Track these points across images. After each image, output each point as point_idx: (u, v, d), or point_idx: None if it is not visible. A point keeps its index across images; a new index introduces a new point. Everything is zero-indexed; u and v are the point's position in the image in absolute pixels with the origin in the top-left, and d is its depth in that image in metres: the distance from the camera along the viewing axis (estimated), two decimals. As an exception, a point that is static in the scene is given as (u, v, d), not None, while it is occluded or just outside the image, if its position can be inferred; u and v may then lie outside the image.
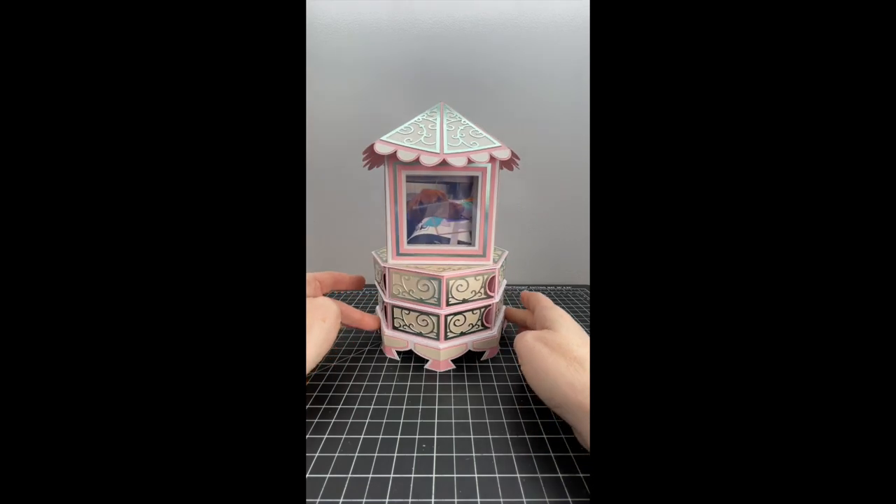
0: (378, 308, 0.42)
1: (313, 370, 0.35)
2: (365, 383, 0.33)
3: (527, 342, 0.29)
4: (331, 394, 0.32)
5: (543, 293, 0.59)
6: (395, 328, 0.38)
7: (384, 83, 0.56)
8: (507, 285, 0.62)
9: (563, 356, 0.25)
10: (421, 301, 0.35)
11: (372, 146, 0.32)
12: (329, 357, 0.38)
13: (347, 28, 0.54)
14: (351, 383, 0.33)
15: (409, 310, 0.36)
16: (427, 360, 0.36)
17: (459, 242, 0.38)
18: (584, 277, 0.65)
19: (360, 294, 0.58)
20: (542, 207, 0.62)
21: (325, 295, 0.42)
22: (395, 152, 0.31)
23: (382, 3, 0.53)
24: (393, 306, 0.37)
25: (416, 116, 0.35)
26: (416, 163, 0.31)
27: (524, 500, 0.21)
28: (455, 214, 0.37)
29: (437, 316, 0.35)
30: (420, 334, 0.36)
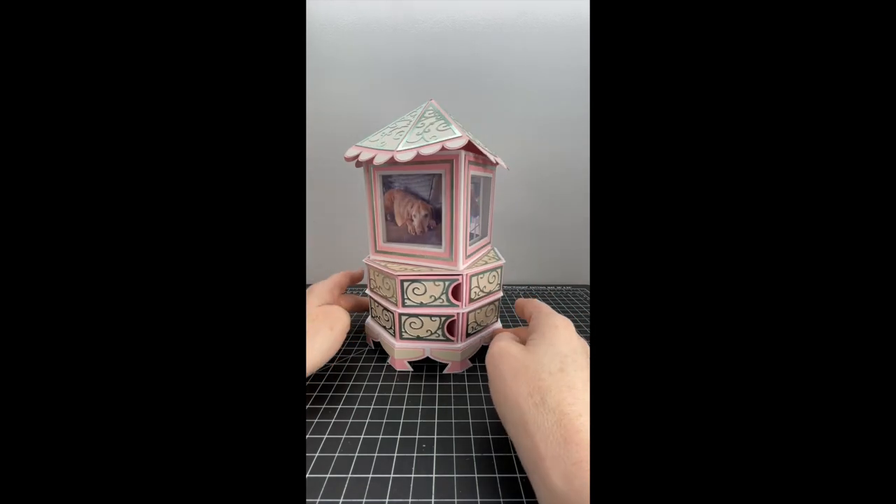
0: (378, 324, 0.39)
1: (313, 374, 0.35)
2: (365, 383, 0.33)
3: (493, 355, 0.24)
4: (331, 394, 0.32)
5: (543, 293, 0.59)
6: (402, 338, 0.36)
7: (384, 83, 0.56)
8: (504, 286, 0.62)
9: (526, 382, 0.20)
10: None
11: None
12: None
13: (347, 28, 0.54)
14: (351, 383, 0.33)
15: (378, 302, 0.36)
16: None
17: (472, 235, 0.37)
18: (584, 277, 0.65)
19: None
20: (542, 207, 0.62)
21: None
22: (359, 154, 0.32)
23: (382, 3, 0.53)
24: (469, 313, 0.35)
25: (404, 115, 0.34)
26: (372, 162, 0.31)
27: (524, 500, 0.21)
28: (474, 210, 0.37)
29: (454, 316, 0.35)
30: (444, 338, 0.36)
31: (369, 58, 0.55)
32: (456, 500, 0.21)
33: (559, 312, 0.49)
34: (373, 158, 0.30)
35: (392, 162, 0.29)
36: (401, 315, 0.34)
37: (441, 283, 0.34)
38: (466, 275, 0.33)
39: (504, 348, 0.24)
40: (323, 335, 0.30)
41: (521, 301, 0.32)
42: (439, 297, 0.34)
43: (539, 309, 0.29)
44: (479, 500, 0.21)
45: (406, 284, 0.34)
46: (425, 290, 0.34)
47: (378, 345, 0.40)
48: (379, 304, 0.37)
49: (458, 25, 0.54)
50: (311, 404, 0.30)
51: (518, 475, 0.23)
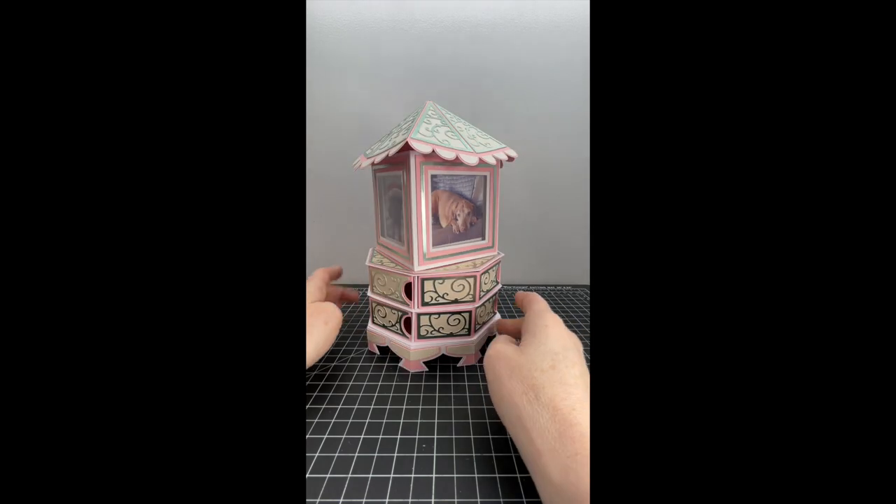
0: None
1: (311, 367, 0.35)
2: (365, 383, 0.33)
3: (489, 357, 0.25)
4: (331, 394, 0.32)
5: (543, 293, 0.59)
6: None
7: (384, 83, 0.56)
8: (504, 286, 0.62)
9: (521, 381, 0.21)
10: (456, 301, 0.35)
11: (406, 143, 0.29)
12: (329, 357, 0.38)
13: (347, 28, 0.54)
14: (351, 383, 0.33)
15: (440, 313, 0.35)
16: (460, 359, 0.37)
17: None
18: (584, 277, 0.65)
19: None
20: (542, 207, 0.62)
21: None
22: (433, 151, 0.30)
23: (382, 3, 0.53)
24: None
25: (409, 116, 0.34)
26: (455, 162, 0.31)
27: (524, 499, 0.21)
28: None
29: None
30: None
31: (369, 58, 0.55)
32: (456, 500, 0.21)
33: (559, 312, 0.50)
34: (457, 158, 0.30)
35: (481, 162, 0.32)
36: (477, 309, 0.37)
37: (494, 269, 0.40)
38: (502, 255, 0.40)
39: (500, 350, 0.25)
40: (319, 330, 0.31)
41: (520, 294, 0.34)
42: (492, 280, 0.39)
43: (531, 307, 0.29)
44: (479, 500, 0.21)
45: (480, 277, 0.37)
46: (490, 277, 0.39)
47: (448, 358, 0.37)
48: (444, 312, 0.36)
49: (458, 25, 0.54)
50: (311, 404, 0.30)
51: (518, 475, 0.23)
